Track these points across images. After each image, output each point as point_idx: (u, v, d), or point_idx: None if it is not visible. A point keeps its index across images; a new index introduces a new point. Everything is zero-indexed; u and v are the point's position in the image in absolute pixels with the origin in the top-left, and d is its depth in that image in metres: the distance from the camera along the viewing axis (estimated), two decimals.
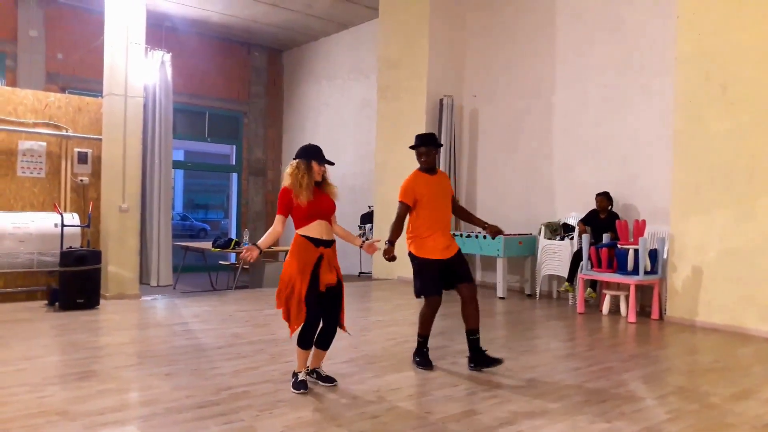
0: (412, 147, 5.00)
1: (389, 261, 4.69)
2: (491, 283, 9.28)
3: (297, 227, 4.09)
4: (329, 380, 4.23)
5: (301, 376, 4.11)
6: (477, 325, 4.72)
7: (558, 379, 4.46)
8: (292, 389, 4.04)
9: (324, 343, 4.19)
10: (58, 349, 5.12)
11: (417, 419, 3.56)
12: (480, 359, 4.66)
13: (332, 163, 4.20)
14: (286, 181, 4.11)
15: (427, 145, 4.86)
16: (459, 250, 4.92)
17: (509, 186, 9.56)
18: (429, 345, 4.84)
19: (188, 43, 12.93)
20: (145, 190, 8.65)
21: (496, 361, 4.63)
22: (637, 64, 7.96)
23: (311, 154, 4.13)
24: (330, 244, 4.14)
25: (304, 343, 4.06)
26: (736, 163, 6.50)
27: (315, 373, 4.27)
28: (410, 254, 4.88)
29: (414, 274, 4.89)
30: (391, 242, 4.71)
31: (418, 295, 4.83)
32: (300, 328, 4.02)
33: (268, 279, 9.86)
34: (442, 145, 5.02)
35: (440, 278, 4.78)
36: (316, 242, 4.05)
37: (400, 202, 4.85)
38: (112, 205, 7.72)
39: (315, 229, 4.07)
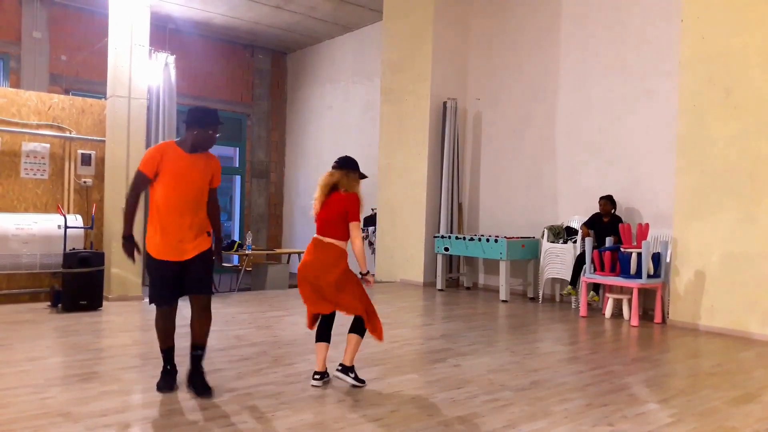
0: (201, 124, 3.99)
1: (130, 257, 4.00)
2: (494, 286, 9.28)
3: (346, 238, 4.16)
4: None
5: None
6: (203, 341, 4.09)
7: (561, 383, 4.45)
8: (360, 384, 4.16)
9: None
10: (61, 351, 5.13)
11: (420, 422, 3.55)
12: (197, 380, 3.98)
13: (365, 176, 4.39)
14: (358, 191, 4.25)
15: (216, 124, 4.04)
16: (202, 253, 4.00)
17: (512, 189, 9.56)
18: (433, 347, 4.82)
19: (192, 45, 12.97)
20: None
21: (208, 391, 3.93)
22: (641, 67, 7.96)
23: (357, 167, 4.32)
24: None
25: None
26: (740, 166, 6.49)
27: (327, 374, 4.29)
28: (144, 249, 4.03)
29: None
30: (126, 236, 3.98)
31: (150, 301, 4.05)
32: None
33: (271, 281, 9.86)
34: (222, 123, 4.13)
35: (172, 283, 3.98)
36: None
37: (139, 171, 3.97)
38: (116, 206, 7.71)
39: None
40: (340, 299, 4.13)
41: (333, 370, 4.23)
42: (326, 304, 4.18)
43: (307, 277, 4.17)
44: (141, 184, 3.99)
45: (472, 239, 8.91)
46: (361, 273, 4.17)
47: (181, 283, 3.99)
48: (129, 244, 3.97)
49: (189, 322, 4.09)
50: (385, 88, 10.69)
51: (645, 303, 7.44)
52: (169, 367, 4.05)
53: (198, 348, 4.04)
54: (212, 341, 5.45)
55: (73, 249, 7.17)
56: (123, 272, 7.67)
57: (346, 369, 4.18)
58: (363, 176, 4.32)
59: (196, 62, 13.12)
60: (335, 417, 3.61)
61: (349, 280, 4.15)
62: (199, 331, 4.07)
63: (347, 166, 4.25)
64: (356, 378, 4.19)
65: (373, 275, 4.13)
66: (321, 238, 4.18)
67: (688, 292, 6.87)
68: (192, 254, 3.94)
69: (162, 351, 4.08)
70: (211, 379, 4.26)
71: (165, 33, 12.13)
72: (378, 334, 4.24)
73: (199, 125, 3.97)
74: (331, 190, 4.21)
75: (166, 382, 3.99)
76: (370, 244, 11.43)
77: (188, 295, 4.04)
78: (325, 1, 11.20)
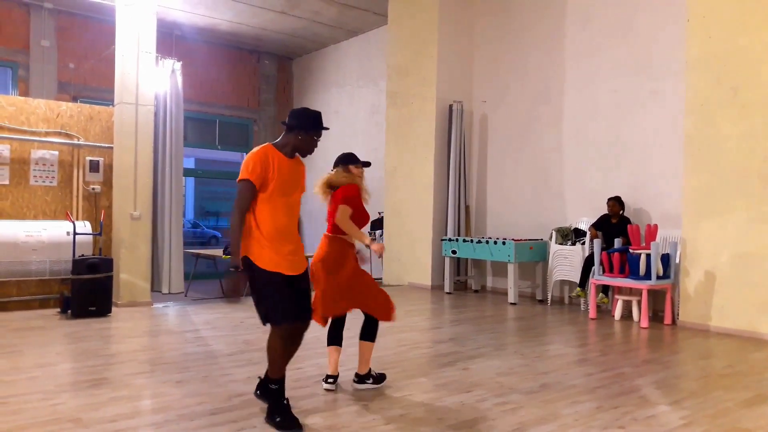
0: (306, 127, 3.64)
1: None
2: (502, 289, 9.25)
3: (338, 232, 4.13)
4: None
5: (374, 372, 4.27)
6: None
7: (570, 385, 4.43)
8: (379, 384, 4.20)
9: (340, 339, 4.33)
10: (71, 357, 5.15)
11: (429, 426, 3.54)
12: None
13: (369, 164, 4.31)
14: (350, 183, 4.18)
15: (321, 129, 3.72)
16: (306, 273, 3.69)
17: (520, 191, 9.54)
18: (442, 351, 4.81)
19: (198, 51, 13.03)
20: (157, 198, 8.71)
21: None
22: (648, 68, 7.94)
23: (345, 160, 4.25)
24: None
25: (374, 336, 4.28)
26: (749, 166, 6.45)
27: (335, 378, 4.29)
28: (251, 263, 3.49)
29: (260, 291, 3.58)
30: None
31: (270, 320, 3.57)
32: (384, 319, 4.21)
33: None
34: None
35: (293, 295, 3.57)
36: (350, 246, 4.20)
37: (247, 181, 3.49)
38: (124, 213, 7.77)
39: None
40: (359, 297, 4.13)
41: (348, 381, 4.23)
42: (343, 304, 4.14)
43: (317, 273, 4.13)
44: (247, 197, 3.47)
45: (479, 242, 8.89)
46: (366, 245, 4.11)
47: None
48: (238, 275, 3.46)
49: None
50: (390, 91, 10.70)
51: (654, 304, 7.41)
52: (286, 401, 3.56)
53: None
54: (221, 346, 5.49)
55: (82, 255, 7.21)
56: (132, 278, 7.71)
57: (362, 378, 4.23)
58: (354, 163, 4.26)
59: (203, 68, 13.18)
60: (344, 421, 3.60)
61: (360, 274, 4.18)
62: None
63: (336, 164, 4.30)
64: (374, 380, 4.25)
65: (378, 243, 4.05)
66: (327, 234, 4.20)
67: (698, 293, 6.82)
68: (299, 271, 3.59)
69: (279, 381, 3.56)
70: (220, 384, 4.27)
71: (171, 40, 12.19)
72: (389, 317, 4.22)
73: (306, 129, 3.63)
74: (329, 188, 4.24)
75: (295, 420, 3.48)
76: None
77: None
78: (329, 5, 11.23)
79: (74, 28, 11.66)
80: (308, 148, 3.68)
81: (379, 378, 4.30)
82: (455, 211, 9.78)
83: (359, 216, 4.15)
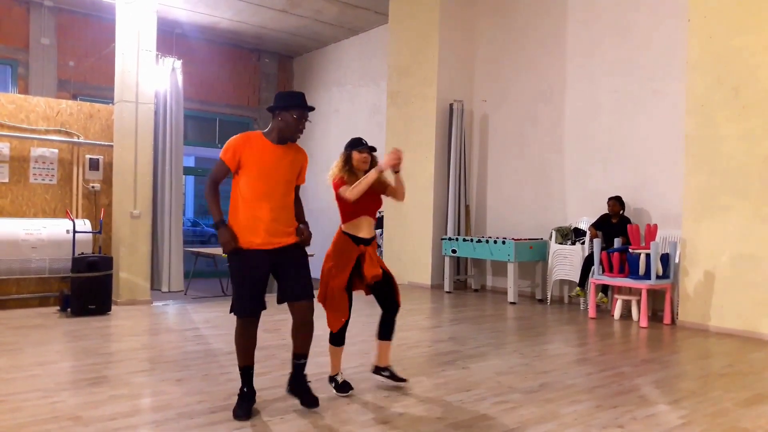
0: (283, 107, 3.62)
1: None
2: (502, 288, 9.26)
3: (342, 221, 4.07)
4: (401, 379, 4.23)
5: (340, 379, 4.11)
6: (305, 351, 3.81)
7: (570, 384, 4.43)
8: (338, 393, 4.03)
9: (388, 332, 4.23)
10: (71, 355, 5.15)
11: (428, 424, 3.54)
12: (300, 389, 3.81)
13: (374, 149, 4.18)
14: (335, 176, 4.07)
15: (300, 107, 3.63)
16: (296, 248, 3.71)
17: (520, 191, 9.54)
18: (441, 350, 4.79)
19: (199, 49, 13.03)
20: (157, 197, 8.70)
21: (312, 401, 3.75)
22: (648, 68, 7.94)
23: (349, 145, 4.16)
24: (370, 241, 4.13)
25: (339, 340, 4.09)
26: (749, 166, 6.45)
27: (387, 371, 4.26)
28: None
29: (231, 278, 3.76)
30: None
31: (232, 310, 3.70)
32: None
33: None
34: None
35: (258, 287, 3.63)
36: (357, 240, 4.04)
37: (219, 160, 3.62)
38: (124, 211, 7.77)
39: (358, 226, 4.04)
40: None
41: (347, 379, 4.22)
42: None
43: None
44: (220, 173, 3.59)
45: (479, 241, 8.89)
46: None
47: (265, 290, 3.66)
48: (223, 230, 3.51)
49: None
50: (391, 90, 10.70)
51: (654, 304, 7.41)
52: (246, 389, 3.66)
53: (300, 357, 3.77)
54: (221, 345, 5.49)
55: (82, 253, 7.21)
56: (131, 276, 7.71)
57: (330, 377, 4.17)
58: (357, 148, 4.16)
59: (203, 67, 13.18)
60: (343, 420, 3.60)
61: (323, 263, 4.05)
62: (302, 342, 3.75)
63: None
64: (336, 386, 4.11)
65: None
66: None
67: (697, 292, 6.83)
68: (281, 244, 3.57)
69: (240, 369, 3.68)
70: (220, 383, 4.27)
71: (172, 38, 12.19)
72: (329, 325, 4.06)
73: (286, 109, 3.56)
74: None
75: (244, 409, 3.59)
76: (378, 246, 11.43)
77: (287, 302, 3.67)
78: (330, 4, 11.23)
79: (74, 26, 11.65)
80: (290, 129, 3.62)
81: (344, 386, 4.09)
82: (455, 210, 9.78)
83: (351, 208, 4.00)
